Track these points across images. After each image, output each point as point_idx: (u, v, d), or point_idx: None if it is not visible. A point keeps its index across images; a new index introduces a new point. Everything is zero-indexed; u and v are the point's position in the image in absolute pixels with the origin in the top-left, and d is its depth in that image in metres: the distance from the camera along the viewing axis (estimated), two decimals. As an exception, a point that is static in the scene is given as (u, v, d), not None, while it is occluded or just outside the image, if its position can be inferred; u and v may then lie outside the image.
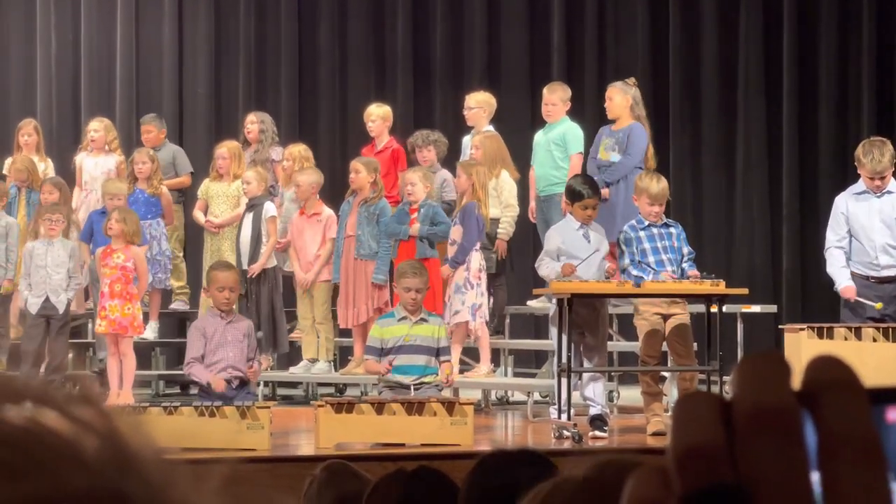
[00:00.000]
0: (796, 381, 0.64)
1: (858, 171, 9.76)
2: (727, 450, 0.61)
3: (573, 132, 11.48)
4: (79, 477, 0.59)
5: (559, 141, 11.44)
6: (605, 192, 10.56)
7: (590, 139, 11.57)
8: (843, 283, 9.74)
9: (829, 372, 0.63)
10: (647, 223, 9.32)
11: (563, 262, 9.24)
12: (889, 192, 9.68)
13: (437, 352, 9.28)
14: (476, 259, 10.81)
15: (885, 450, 0.62)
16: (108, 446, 0.61)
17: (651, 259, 9.25)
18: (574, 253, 9.26)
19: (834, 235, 9.86)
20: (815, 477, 0.62)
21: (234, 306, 9.82)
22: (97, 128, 12.84)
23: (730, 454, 0.61)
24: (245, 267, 11.73)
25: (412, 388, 9.10)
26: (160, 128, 13.08)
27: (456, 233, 10.84)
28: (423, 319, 9.35)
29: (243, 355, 9.51)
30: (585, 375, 9.04)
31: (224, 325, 9.49)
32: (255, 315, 11.76)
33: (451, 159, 12.06)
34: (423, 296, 9.46)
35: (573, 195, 9.38)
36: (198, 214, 12.44)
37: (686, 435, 0.61)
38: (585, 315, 9.01)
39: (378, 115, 12.16)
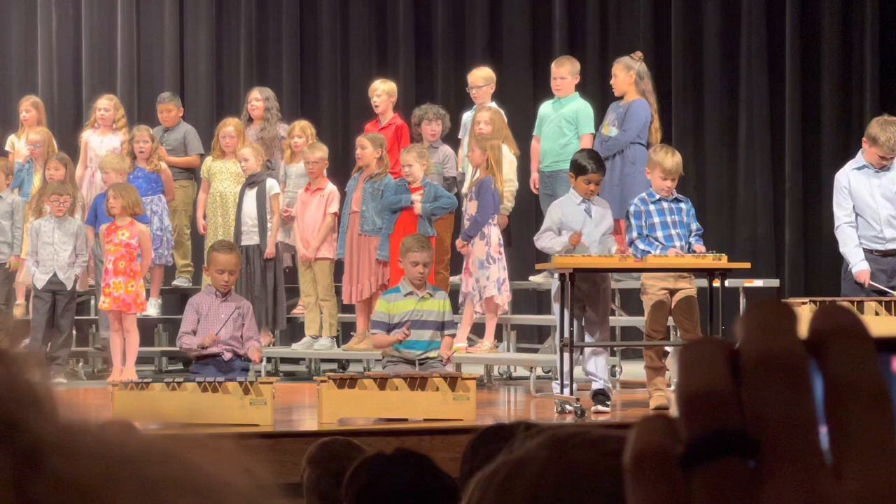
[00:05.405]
0: (803, 331, 0.63)
1: (868, 147, 9.67)
2: (734, 395, 0.61)
3: (585, 111, 11.44)
4: None
5: (571, 119, 11.41)
6: None
7: (593, 114, 11.55)
8: (858, 266, 9.67)
9: (836, 320, 0.63)
10: (657, 197, 9.27)
11: (564, 236, 9.23)
12: (887, 169, 9.67)
13: (443, 325, 9.31)
14: (495, 233, 10.83)
15: (891, 397, 0.61)
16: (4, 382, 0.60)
17: (660, 233, 9.21)
18: (574, 227, 9.25)
19: (842, 211, 9.79)
20: (823, 429, 0.61)
21: (232, 288, 9.77)
22: (106, 106, 12.77)
23: (736, 400, 0.61)
24: (243, 243, 11.75)
25: (417, 363, 9.12)
26: (179, 107, 13.09)
27: (471, 207, 10.87)
28: (429, 294, 9.38)
29: (237, 332, 9.51)
30: (587, 350, 9.04)
31: (219, 303, 9.50)
32: (260, 290, 11.75)
33: (451, 135, 12.06)
34: (430, 270, 9.49)
35: (577, 169, 9.37)
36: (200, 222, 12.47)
37: (692, 380, 0.61)
38: (587, 290, 9.01)
39: (383, 91, 12.13)
